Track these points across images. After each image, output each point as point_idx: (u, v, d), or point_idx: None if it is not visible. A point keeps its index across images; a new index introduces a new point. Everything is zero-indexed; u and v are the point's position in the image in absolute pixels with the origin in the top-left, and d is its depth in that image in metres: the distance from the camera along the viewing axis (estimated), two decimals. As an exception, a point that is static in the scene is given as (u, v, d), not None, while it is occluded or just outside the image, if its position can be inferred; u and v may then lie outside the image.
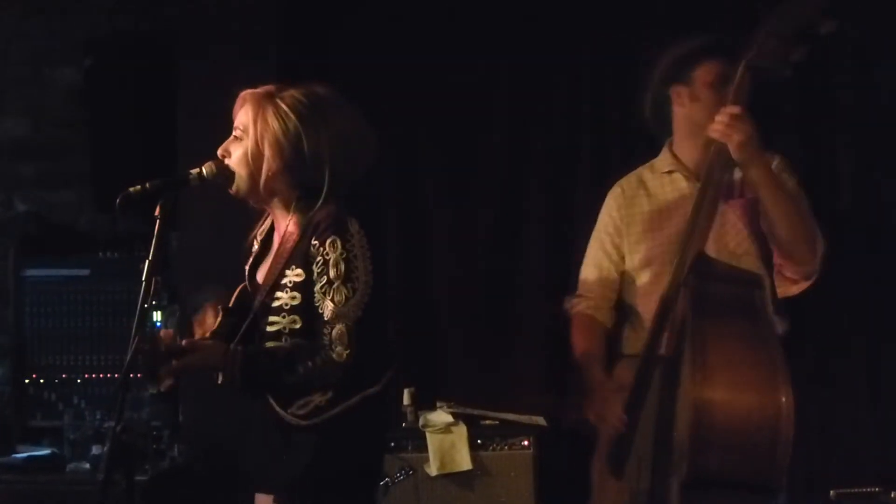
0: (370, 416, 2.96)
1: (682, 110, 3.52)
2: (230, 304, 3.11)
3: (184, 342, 2.95)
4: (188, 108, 4.34)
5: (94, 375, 4.41)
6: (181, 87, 4.37)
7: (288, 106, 2.96)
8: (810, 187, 4.19)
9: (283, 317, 2.94)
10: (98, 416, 4.22)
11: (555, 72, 4.44)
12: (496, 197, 4.59)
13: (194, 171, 3.01)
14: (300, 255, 2.93)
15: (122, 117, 4.58)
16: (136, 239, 4.37)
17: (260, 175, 2.97)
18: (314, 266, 2.91)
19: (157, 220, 2.87)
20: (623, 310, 3.59)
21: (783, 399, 3.00)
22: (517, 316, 4.54)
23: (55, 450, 4.25)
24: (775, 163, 3.42)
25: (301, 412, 2.91)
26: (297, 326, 2.93)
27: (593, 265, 3.63)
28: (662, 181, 3.57)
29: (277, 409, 2.94)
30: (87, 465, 4.09)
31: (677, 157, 3.56)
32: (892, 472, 3.79)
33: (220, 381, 2.96)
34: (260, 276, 3.08)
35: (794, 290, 3.40)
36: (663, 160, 3.60)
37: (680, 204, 3.50)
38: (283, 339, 2.94)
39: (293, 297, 2.93)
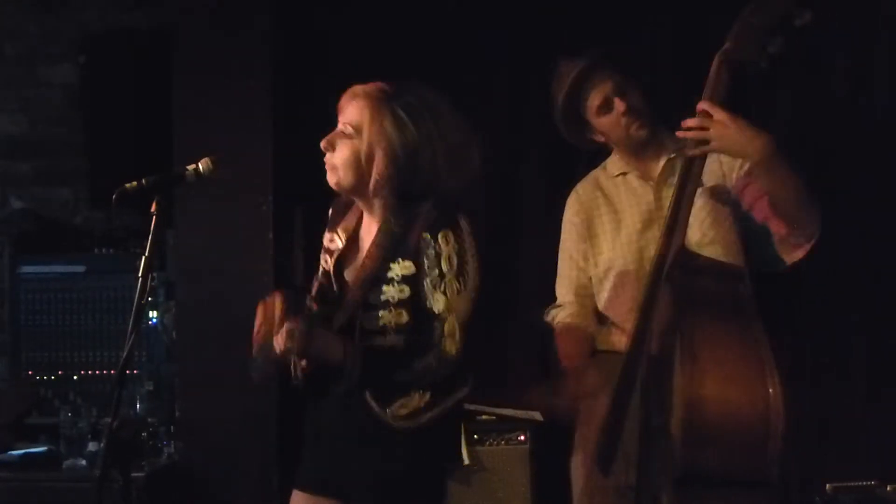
0: (456, 419, 2.98)
1: (604, 139, 3.58)
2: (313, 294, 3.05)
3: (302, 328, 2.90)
4: (183, 105, 4.33)
5: (89, 372, 4.40)
6: (176, 83, 4.36)
7: (406, 113, 2.92)
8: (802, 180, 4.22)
9: (390, 311, 2.90)
10: (94, 413, 4.21)
11: (553, 71, 4.44)
12: (492, 193, 4.59)
13: (190, 167, 3.00)
14: (408, 247, 2.90)
15: (117, 114, 4.58)
16: (131, 236, 4.38)
17: (370, 177, 2.94)
18: (425, 258, 2.88)
19: (153, 217, 2.87)
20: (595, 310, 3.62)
21: (771, 392, 2.99)
22: (513, 311, 4.54)
23: (51, 446, 4.24)
24: None
25: (402, 412, 2.89)
26: (404, 321, 2.90)
27: (565, 275, 3.67)
28: (616, 183, 3.61)
29: (376, 408, 2.91)
30: (84, 462, 4.08)
31: (627, 161, 3.60)
32: (887, 465, 3.80)
33: (300, 374, 2.94)
34: (350, 273, 3.03)
35: (800, 253, 3.39)
36: (615, 163, 3.64)
37: (635, 204, 3.55)
38: (387, 335, 2.90)
39: (401, 291, 2.90)
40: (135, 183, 2.89)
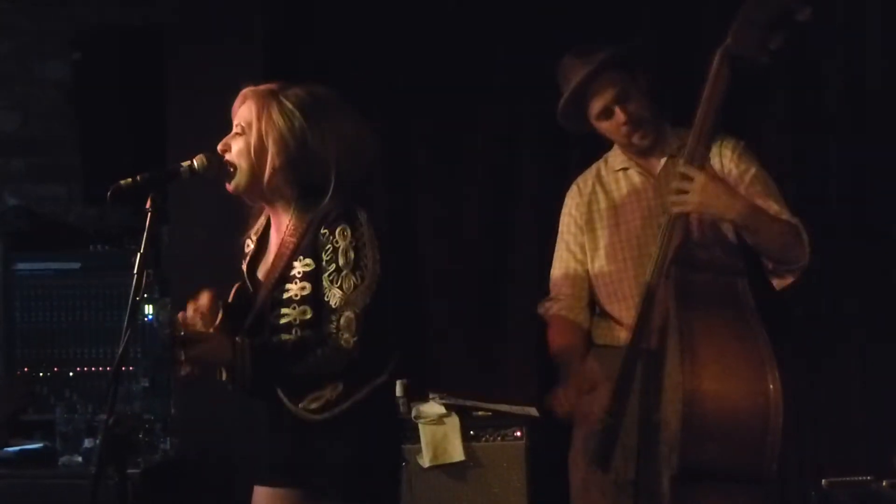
0: (381, 406, 3.01)
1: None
2: (229, 301, 3.10)
3: (189, 333, 2.95)
4: (177, 102, 4.32)
5: (85, 369, 4.40)
6: (170, 80, 4.36)
7: (293, 104, 2.98)
8: (799, 179, 4.23)
9: (294, 308, 2.96)
10: (90, 410, 4.21)
11: (548, 65, 4.43)
12: (487, 186, 4.59)
13: (185, 163, 3.01)
14: (309, 245, 2.95)
15: (111, 111, 4.57)
16: (126, 232, 4.37)
17: (262, 172, 2.99)
18: (323, 254, 2.92)
19: (148, 214, 2.87)
20: (592, 304, 3.64)
21: (771, 387, 3.01)
22: (509, 306, 4.54)
23: (47, 443, 4.23)
24: (730, 149, 3.44)
25: (313, 406, 2.93)
26: (308, 317, 2.95)
27: (561, 266, 3.69)
28: (617, 177, 3.63)
29: (288, 404, 2.95)
30: (80, 459, 4.08)
31: (629, 157, 3.61)
32: (883, 461, 3.79)
33: (224, 378, 2.96)
34: (261, 272, 3.09)
35: (789, 279, 3.42)
36: (617, 157, 3.66)
37: (635, 200, 3.57)
38: (294, 331, 2.95)
39: (303, 287, 2.95)
40: (129, 180, 2.90)
